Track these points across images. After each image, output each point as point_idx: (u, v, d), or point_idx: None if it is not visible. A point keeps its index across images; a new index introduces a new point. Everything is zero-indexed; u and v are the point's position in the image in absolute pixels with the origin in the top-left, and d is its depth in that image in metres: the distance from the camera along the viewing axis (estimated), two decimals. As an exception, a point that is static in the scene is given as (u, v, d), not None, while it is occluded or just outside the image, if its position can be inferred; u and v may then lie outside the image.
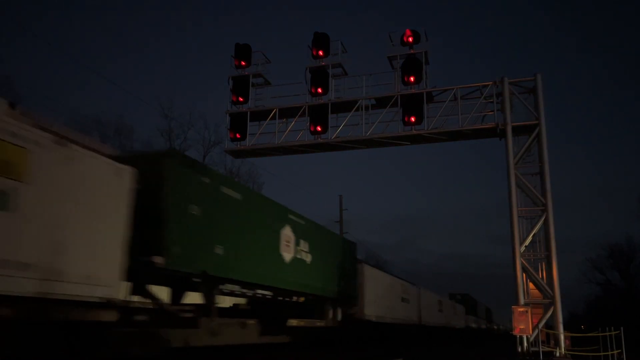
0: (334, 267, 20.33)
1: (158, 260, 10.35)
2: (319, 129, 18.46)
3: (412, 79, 17.92)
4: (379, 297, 25.47)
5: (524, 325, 15.51)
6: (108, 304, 9.03)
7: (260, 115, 19.37)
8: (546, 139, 17.13)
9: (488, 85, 17.90)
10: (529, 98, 17.66)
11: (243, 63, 19.63)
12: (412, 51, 18.07)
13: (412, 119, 17.70)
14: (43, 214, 7.97)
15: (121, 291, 9.58)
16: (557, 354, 15.63)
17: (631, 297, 46.51)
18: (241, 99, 19.39)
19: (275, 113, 19.16)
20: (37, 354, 7.88)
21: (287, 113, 19.21)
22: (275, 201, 16.64)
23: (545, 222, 16.71)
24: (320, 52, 18.78)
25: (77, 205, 8.64)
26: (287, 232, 16.50)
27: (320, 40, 18.89)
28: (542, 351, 15.53)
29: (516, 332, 15.70)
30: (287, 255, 16.29)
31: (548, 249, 16.60)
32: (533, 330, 15.73)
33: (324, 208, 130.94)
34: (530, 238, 17.00)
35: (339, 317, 21.05)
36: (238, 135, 19.11)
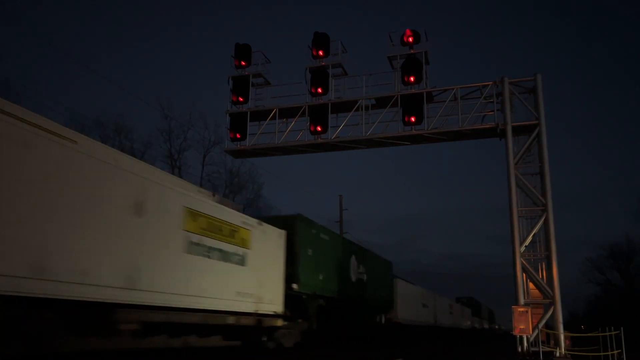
0: (379, 282, 25.94)
1: (295, 286, 16.05)
2: (319, 129, 18.46)
3: (412, 79, 17.92)
4: (407, 304, 31.40)
5: (524, 325, 15.49)
6: (278, 315, 15.09)
7: (260, 115, 19.37)
8: (546, 139, 17.11)
9: (488, 85, 17.89)
10: (529, 98, 17.64)
11: (243, 63, 19.63)
12: (412, 51, 18.07)
13: (412, 119, 17.69)
14: (256, 265, 13.81)
15: (282, 307, 15.36)
16: (557, 354, 15.62)
17: (631, 297, 46.48)
18: (241, 99, 19.39)
19: (275, 113, 19.16)
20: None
21: (287, 113, 19.20)
22: (346, 238, 24.21)
23: (545, 222, 16.70)
24: (320, 52, 18.78)
25: (268, 257, 14.75)
26: (353, 260, 22.19)
27: (320, 40, 18.88)
28: (542, 351, 15.52)
29: (516, 332, 15.68)
30: (353, 276, 22.06)
31: (548, 249, 16.59)
32: (533, 330, 15.72)
33: (324, 208, 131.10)
34: (530, 238, 16.98)
35: (383, 320, 27.32)
36: (238, 135, 19.11)
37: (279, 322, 15.24)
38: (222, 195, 27.04)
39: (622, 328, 16.30)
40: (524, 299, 16.32)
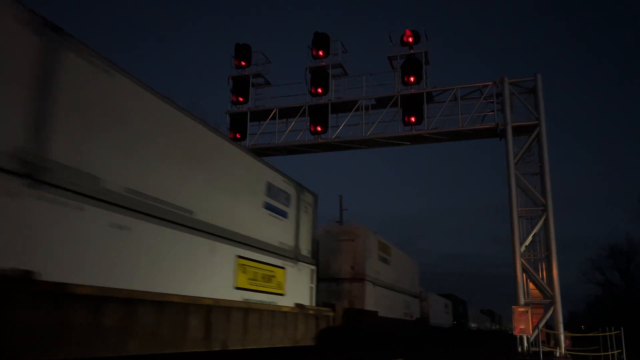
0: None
1: None
2: (319, 129, 18.47)
3: (412, 79, 17.94)
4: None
5: (524, 325, 15.49)
6: None
7: (260, 115, 19.38)
8: (546, 139, 17.12)
9: (488, 85, 17.90)
10: (529, 98, 17.64)
11: (243, 63, 19.65)
12: (412, 51, 18.09)
13: (412, 119, 17.71)
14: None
15: None
16: (557, 354, 15.62)
17: (631, 297, 46.41)
18: (241, 99, 19.41)
19: (275, 113, 19.17)
20: None
21: (287, 113, 19.21)
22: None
23: (546, 222, 16.69)
24: (321, 53, 18.80)
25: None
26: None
27: (321, 41, 18.90)
28: (542, 351, 15.51)
29: (516, 332, 15.68)
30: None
31: (548, 249, 16.59)
32: (533, 330, 15.72)
33: (325, 208, 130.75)
34: (530, 238, 16.98)
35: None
36: (238, 135, 19.12)
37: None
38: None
39: (622, 328, 16.29)
40: (524, 299, 16.33)
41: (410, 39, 18.07)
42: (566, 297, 17.21)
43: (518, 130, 17.51)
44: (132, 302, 6.84)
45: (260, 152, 19.61)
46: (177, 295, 7.84)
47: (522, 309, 15.72)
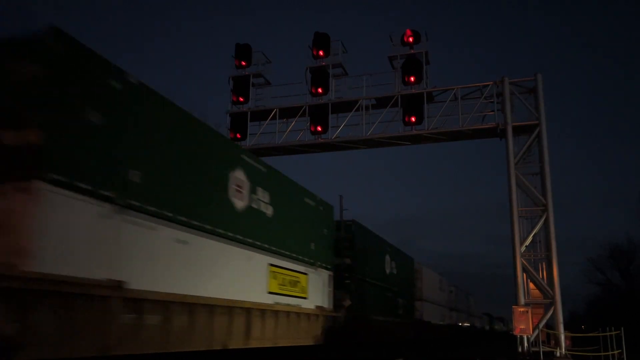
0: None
1: None
2: (319, 129, 18.48)
3: (412, 79, 17.94)
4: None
5: (525, 325, 15.50)
6: None
7: (260, 115, 19.39)
8: (546, 138, 17.12)
9: (488, 85, 17.90)
10: (529, 98, 17.64)
11: (243, 63, 19.66)
12: (412, 51, 18.09)
13: (413, 119, 17.71)
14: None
15: None
16: (558, 354, 15.62)
17: (632, 297, 46.35)
18: (241, 99, 19.41)
19: (275, 113, 19.18)
20: None
21: (288, 113, 19.22)
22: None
23: (546, 222, 16.69)
24: (321, 52, 18.80)
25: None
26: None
27: (321, 41, 18.90)
28: (543, 351, 15.52)
29: (517, 332, 15.69)
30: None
31: (548, 249, 16.59)
32: (533, 330, 15.73)
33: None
34: (530, 238, 16.98)
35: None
36: (238, 136, 19.13)
37: None
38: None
39: (622, 328, 16.29)
40: (525, 299, 16.33)
41: (411, 39, 18.07)
42: (566, 297, 17.23)
43: (518, 130, 17.51)
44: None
45: (260, 152, 19.62)
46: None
47: (522, 309, 15.73)
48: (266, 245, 10.88)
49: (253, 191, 10.53)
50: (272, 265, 11.19)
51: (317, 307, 13.30)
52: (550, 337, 16.29)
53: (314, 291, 13.42)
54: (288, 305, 11.81)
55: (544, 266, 17.01)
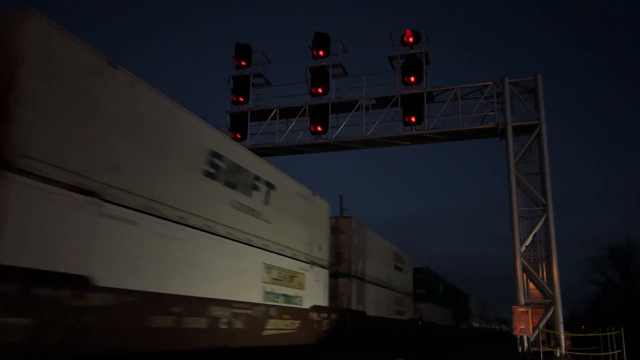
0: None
1: None
2: (319, 129, 18.46)
3: (412, 79, 17.92)
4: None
5: (525, 325, 15.49)
6: None
7: (260, 115, 19.37)
8: (546, 138, 17.10)
9: (488, 85, 17.88)
10: (529, 98, 17.63)
11: (243, 63, 19.65)
12: (412, 51, 18.07)
13: (413, 119, 17.69)
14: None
15: None
16: (558, 354, 15.61)
17: (632, 297, 46.38)
18: (242, 99, 19.40)
19: (275, 113, 19.16)
20: None
21: (288, 113, 19.20)
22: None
23: (546, 222, 16.68)
24: (321, 52, 18.79)
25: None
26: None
27: (321, 41, 18.89)
28: (543, 351, 15.51)
29: (517, 332, 15.68)
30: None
31: (548, 249, 16.57)
32: (533, 330, 15.72)
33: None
34: (530, 238, 16.96)
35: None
36: (239, 136, 19.11)
37: None
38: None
39: (622, 328, 16.28)
40: (525, 299, 16.32)
41: (411, 39, 18.06)
42: (566, 297, 17.21)
43: (518, 130, 17.49)
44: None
45: (260, 152, 19.59)
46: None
47: (522, 309, 15.71)
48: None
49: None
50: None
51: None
52: (550, 337, 16.27)
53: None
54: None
55: (544, 266, 17.00)
